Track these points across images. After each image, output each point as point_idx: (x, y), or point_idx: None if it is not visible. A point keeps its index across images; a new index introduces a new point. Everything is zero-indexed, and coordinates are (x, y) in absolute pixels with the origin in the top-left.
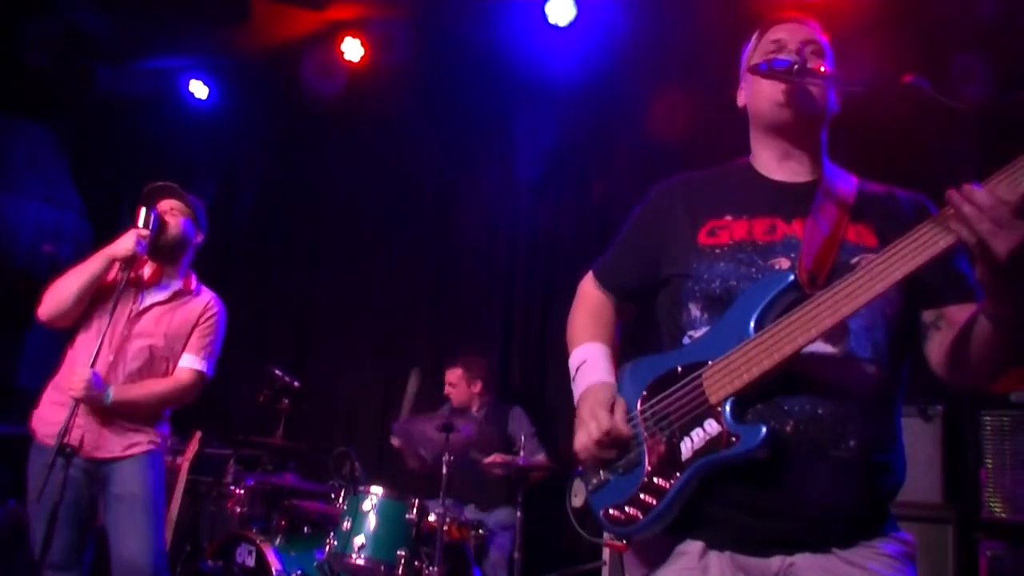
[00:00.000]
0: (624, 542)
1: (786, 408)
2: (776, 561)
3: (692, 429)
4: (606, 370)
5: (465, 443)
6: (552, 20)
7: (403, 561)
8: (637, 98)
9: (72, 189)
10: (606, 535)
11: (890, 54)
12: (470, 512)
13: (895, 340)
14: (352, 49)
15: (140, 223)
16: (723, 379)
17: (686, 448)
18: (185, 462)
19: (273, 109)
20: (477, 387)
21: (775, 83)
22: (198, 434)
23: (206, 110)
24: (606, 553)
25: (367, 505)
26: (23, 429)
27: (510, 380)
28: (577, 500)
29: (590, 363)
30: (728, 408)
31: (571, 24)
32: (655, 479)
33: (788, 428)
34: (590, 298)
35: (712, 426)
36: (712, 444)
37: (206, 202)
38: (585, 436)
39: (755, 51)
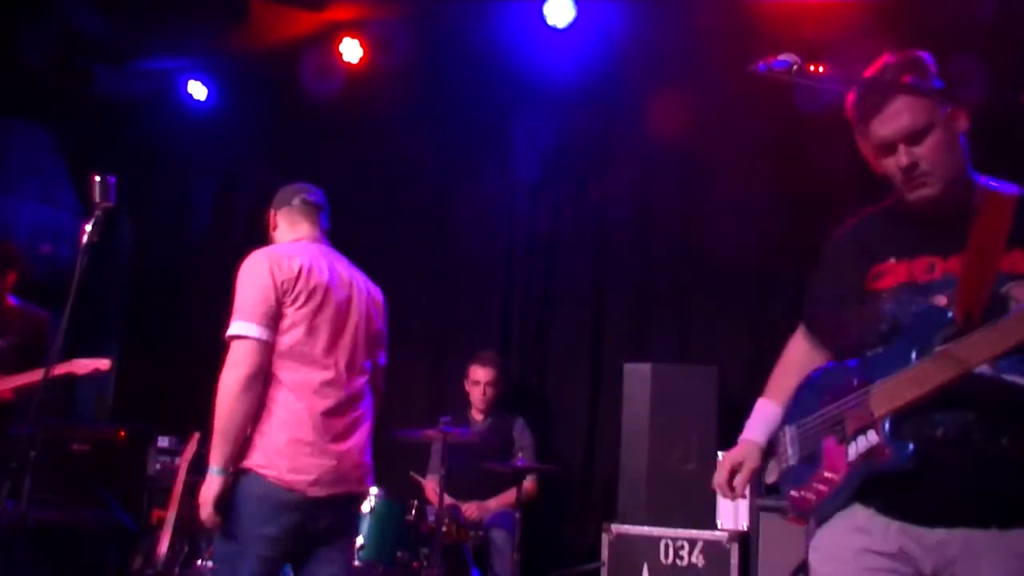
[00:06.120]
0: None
1: (937, 418)
2: (940, 533)
3: (858, 436)
4: (760, 431)
5: (469, 449)
6: (551, 22)
7: (402, 562)
8: (635, 100)
9: (70, 190)
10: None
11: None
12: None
13: None
14: (351, 50)
15: None
16: (885, 398)
17: (852, 451)
18: (184, 462)
19: (272, 110)
20: (501, 388)
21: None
22: (196, 435)
23: (205, 111)
24: (605, 554)
25: (365, 506)
26: (22, 431)
27: (508, 381)
28: (770, 477)
29: (752, 419)
30: (887, 424)
31: (570, 26)
32: (826, 472)
33: (939, 433)
34: (789, 348)
35: (873, 436)
36: (871, 452)
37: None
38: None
39: (864, 137)
